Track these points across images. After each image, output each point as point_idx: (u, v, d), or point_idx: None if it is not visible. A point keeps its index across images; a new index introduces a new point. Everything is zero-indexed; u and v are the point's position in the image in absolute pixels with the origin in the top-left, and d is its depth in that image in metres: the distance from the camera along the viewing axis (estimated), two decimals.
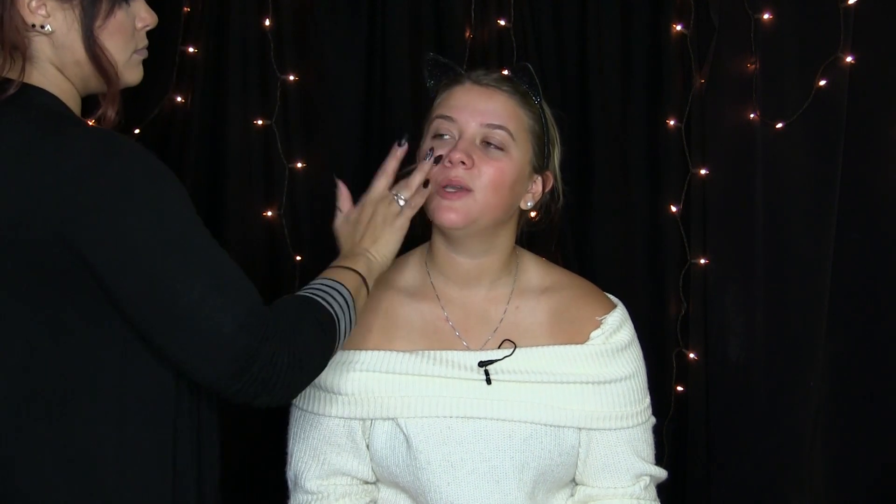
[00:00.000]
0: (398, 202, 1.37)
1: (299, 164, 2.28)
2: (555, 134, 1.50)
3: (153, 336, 1.09)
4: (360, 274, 1.29)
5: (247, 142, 2.28)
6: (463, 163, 1.37)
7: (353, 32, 2.28)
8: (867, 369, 2.27)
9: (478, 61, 2.24)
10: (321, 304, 1.18)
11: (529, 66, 1.45)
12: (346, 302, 1.22)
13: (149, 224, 1.05)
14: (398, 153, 1.39)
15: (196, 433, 1.20)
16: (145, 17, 1.20)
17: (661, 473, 1.52)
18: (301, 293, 1.21)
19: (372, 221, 1.36)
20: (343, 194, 1.41)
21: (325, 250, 2.33)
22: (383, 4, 2.25)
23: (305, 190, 2.30)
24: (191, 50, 2.27)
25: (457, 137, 1.40)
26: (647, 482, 1.49)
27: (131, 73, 1.21)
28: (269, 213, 2.30)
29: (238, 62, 2.26)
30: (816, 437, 2.29)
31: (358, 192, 2.29)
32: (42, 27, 1.12)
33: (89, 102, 1.22)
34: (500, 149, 1.40)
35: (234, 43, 2.25)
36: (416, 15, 2.26)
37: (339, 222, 1.40)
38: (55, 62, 1.15)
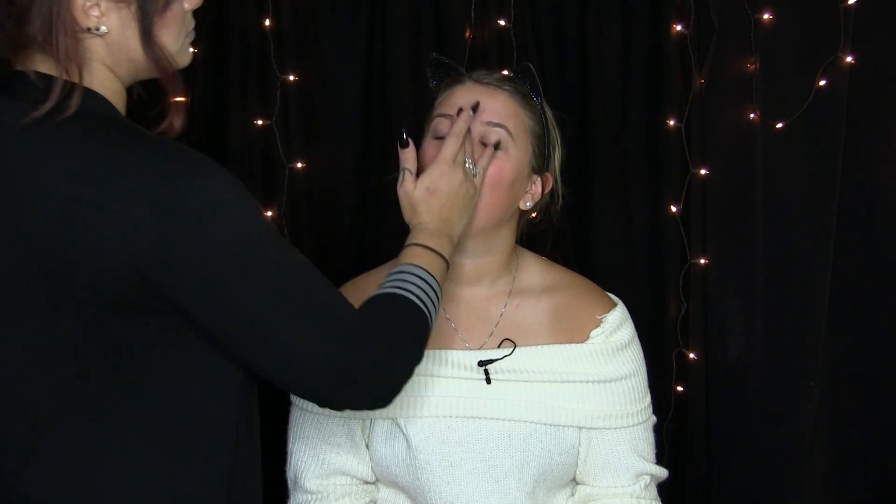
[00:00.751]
0: (472, 171, 1.34)
1: (299, 164, 2.28)
2: (556, 135, 1.50)
3: (247, 361, 1.08)
4: (446, 260, 1.25)
5: (247, 142, 2.28)
6: None
7: (353, 32, 2.28)
8: (867, 369, 2.27)
9: (478, 61, 2.24)
10: (418, 306, 1.15)
11: (531, 66, 1.45)
12: (438, 298, 1.19)
13: (235, 252, 1.01)
14: (466, 117, 1.37)
15: (248, 439, 1.18)
16: None
17: (662, 472, 1.52)
18: (398, 291, 1.16)
19: (451, 197, 1.30)
20: (410, 155, 1.34)
21: (325, 250, 2.35)
22: (383, 4, 2.25)
23: (305, 190, 2.30)
24: (190, 50, 2.26)
25: None
26: (648, 481, 1.49)
27: (183, 58, 1.17)
28: (269, 213, 2.30)
29: (238, 62, 2.26)
30: (816, 437, 2.29)
31: (358, 190, 2.31)
32: (97, 29, 1.07)
33: (137, 110, 1.17)
34: (500, 147, 1.40)
35: (234, 43, 2.25)
36: (416, 15, 2.26)
37: (410, 186, 1.31)
38: (108, 62, 1.10)
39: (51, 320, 1.04)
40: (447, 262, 1.25)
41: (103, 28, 1.07)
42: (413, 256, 1.23)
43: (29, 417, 1.07)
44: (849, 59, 2.15)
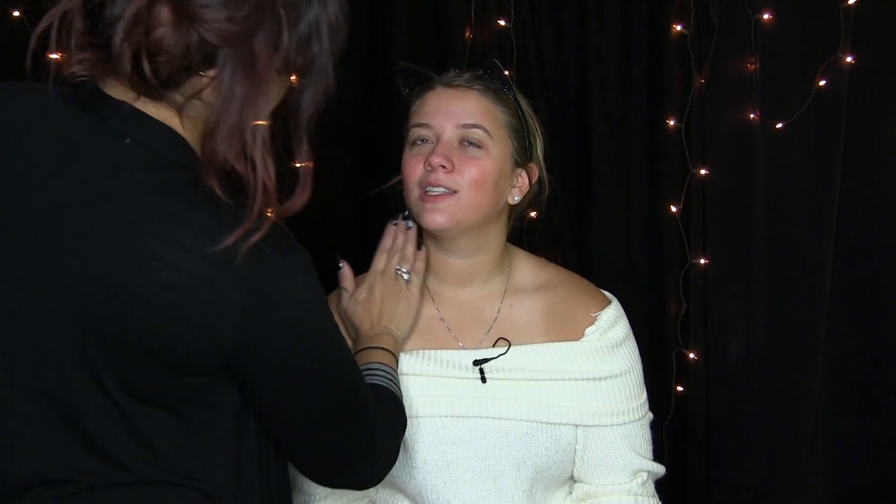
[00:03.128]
0: (402, 276, 1.43)
1: (299, 165, 2.28)
2: (534, 125, 1.49)
3: (270, 433, 1.10)
4: (391, 352, 1.33)
5: None
6: (443, 166, 1.37)
7: (352, 33, 2.27)
8: (867, 369, 2.27)
9: (478, 61, 2.24)
10: (398, 397, 1.27)
11: (497, 62, 1.46)
12: (398, 385, 1.30)
13: (308, 343, 1.02)
14: (391, 231, 1.47)
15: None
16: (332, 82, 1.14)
17: (659, 469, 1.52)
18: (385, 384, 1.26)
19: (385, 300, 1.40)
20: (347, 274, 1.45)
21: (324, 250, 2.34)
22: (383, 4, 2.25)
23: None
24: None
25: (435, 142, 1.41)
26: (645, 478, 1.49)
27: None
28: (270, 213, 2.30)
29: None
30: (816, 437, 2.29)
31: (359, 192, 2.30)
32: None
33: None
34: (479, 147, 1.40)
35: None
36: (416, 15, 2.26)
37: (348, 303, 1.43)
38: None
39: (103, 366, 0.98)
40: (395, 355, 1.36)
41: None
42: (370, 357, 1.32)
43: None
44: (849, 59, 2.15)
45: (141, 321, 0.94)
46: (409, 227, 1.46)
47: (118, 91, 0.98)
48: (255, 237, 0.93)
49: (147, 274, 0.93)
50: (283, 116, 1.02)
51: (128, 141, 0.96)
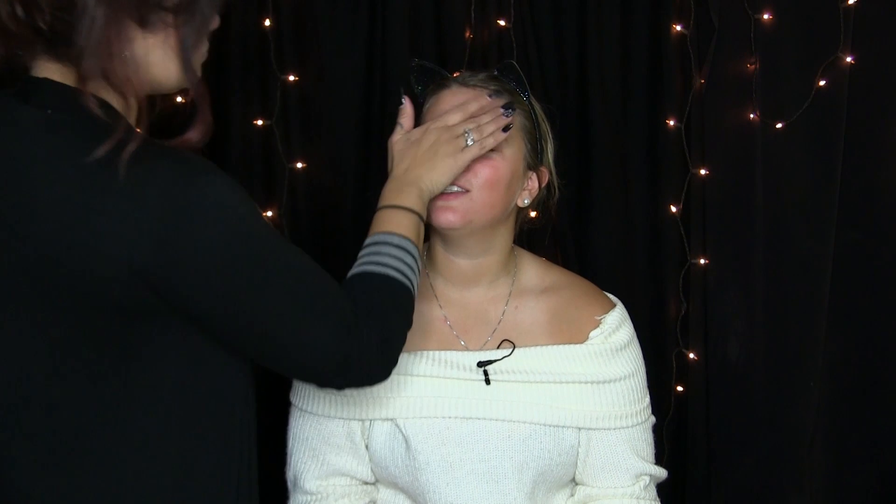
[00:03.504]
0: (467, 139, 1.35)
1: (299, 164, 2.28)
2: (546, 129, 1.50)
3: (249, 353, 1.12)
4: (416, 213, 1.27)
5: (247, 142, 2.28)
6: None
7: (353, 32, 2.28)
8: (867, 369, 2.27)
9: (478, 61, 2.24)
10: (401, 282, 1.20)
11: (515, 63, 1.46)
12: (415, 259, 1.23)
13: (236, 251, 1.03)
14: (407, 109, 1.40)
15: (248, 441, 1.19)
16: (217, 20, 1.16)
17: (661, 473, 1.52)
18: (379, 270, 1.20)
19: (433, 147, 1.33)
20: (407, 111, 1.40)
21: (325, 250, 2.35)
22: (383, 4, 2.25)
23: (305, 190, 2.30)
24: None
25: None
26: (647, 482, 1.49)
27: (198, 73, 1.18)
28: (269, 214, 2.30)
29: (238, 62, 2.26)
30: (816, 437, 2.29)
31: (358, 190, 2.31)
32: (133, 55, 1.07)
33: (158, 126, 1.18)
34: (493, 148, 1.40)
35: (234, 43, 2.25)
36: (416, 15, 2.26)
37: (397, 138, 1.37)
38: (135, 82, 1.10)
39: (53, 325, 1.04)
40: (418, 215, 1.28)
41: (138, 53, 1.08)
42: (384, 223, 1.26)
43: (34, 424, 1.07)
44: (849, 59, 2.15)
45: (52, 240, 1.00)
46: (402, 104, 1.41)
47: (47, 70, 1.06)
48: (130, 147, 0.99)
49: (42, 191, 1.00)
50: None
51: (49, 112, 1.04)
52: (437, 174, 1.32)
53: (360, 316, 1.13)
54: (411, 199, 1.28)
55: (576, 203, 2.28)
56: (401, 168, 1.33)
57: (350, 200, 2.30)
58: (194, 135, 1.11)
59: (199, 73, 1.14)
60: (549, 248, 2.23)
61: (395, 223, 1.25)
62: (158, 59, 1.10)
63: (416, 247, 1.25)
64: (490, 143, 1.36)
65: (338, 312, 1.11)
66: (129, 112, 1.13)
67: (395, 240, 1.22)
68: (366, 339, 1.13)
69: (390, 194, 1.30)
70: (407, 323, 1.22)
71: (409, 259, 1.22)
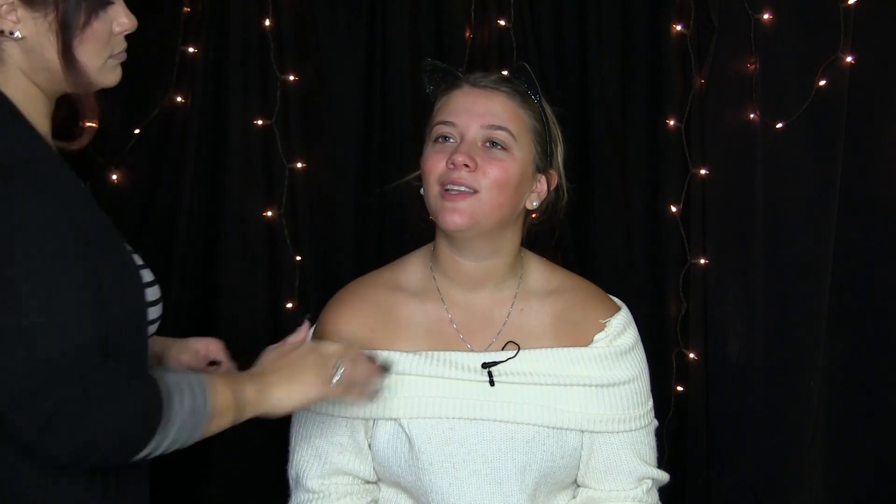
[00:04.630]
0: (336, 373, 1.24)
1: (299, 164, 2.28)
2: (556, 132, 1.49)
3: None
4: (238, 400, 1.15)
5: (247, 142, 2.28)
6: (466, 165, 1.36)
7: (353, 32, 2.28)
8: (867, 369, 2.27)
9: (478, 61, 2.24)
10: (166, 390, 1.07)
11: (527, 65, 1.45)
12: (197, 416, 1.10)
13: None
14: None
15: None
16: (124, 23, 1.14)
17: (664, 476, 1.52)
18: (169, 381, 1.08)
19: (300, 365, 1.22)
20: (298, 333, 1.31)
21: (324, 250, 2.35)
22: (383, 4, 2.25)
23: (305, 190, 2.30)
24: (191, 50, 2.27)
25: (458, 141, 1.40)
26: (650, 485, 1.49)
27: (106, 77, 1.15)
28: (269, 213, 2.30)
29: (238, 62, 2.26)
30: (816, 437, 2.29)
31: (358, 191, 2.30)
32: (11, 33, 1.07)
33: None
34: (504, 149, 1.39)
35: (234, 43, 2.25)
36: (416, 15, 2.26)
37: (272, 347, 1.28)
38: (24, 68, 1.10)
39: None
40: (237, 404, 1.15)
41: (18, 34, 1.08)
42: (214, 380, 1.14)
43: None
44: (849, 59, 2.15)
45: None
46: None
47: None
48: None
49: None
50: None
51: None
52: (288, 390, 1.20)
53: (91, 367, 1.01)
54: (248, 392, 1.16)
55: (576, 203, 2.27)
56: (257, 369, 1.23)
57: (350, 200, 2.30)
58: (79, 143, 1.10)
59: (91, 65, 1.11)
60: (549, 248, 2.23)
61: (219, 389, 1.12)
62: (49, 42, 1.08)
63: (207, 423, 1.11)
64: (354, 393, 1.27)
65: (35, 365, 0.98)
66: (37, 105, 1.11)
67: (207, 392, 1.11)
68: (60, 416, 0.99)
69: (241, 375, 1.21)
70: (122, 432, 1.04)
71: (190, 412, 1.09)
